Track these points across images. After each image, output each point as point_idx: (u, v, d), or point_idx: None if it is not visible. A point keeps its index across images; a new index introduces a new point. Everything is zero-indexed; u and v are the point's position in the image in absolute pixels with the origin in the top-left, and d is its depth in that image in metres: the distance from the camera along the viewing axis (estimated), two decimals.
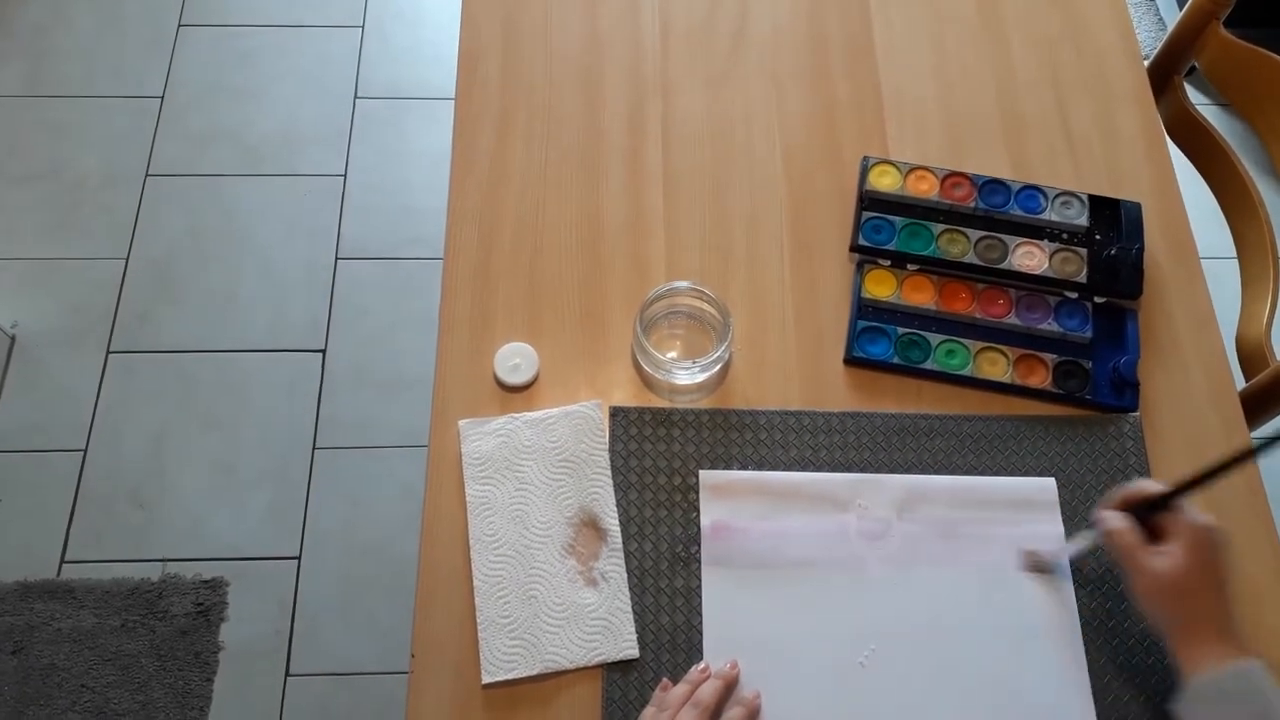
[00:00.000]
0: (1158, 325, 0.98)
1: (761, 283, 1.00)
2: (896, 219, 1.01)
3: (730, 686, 0.81)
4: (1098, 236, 1.00)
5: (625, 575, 0.85)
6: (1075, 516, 0.89)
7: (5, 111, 2.04)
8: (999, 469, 0.91)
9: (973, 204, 1.02)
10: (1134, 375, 0.93)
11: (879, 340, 0.96)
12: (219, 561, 1.64)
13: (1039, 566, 0.87)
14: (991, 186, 1.03)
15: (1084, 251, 0.99)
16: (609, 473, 0.89)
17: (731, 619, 0.84)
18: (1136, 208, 1.01)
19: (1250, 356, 1.10)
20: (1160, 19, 2.20)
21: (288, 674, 1.57)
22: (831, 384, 0.95)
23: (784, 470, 0.90)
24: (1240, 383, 1.02)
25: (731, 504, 0.89)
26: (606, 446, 0.90)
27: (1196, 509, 0.76)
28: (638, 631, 0.83)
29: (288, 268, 1.90)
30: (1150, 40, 2.15)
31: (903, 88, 1.11)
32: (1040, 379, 0.94)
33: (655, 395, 0.94)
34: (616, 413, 0.92)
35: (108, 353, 1.81)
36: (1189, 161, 1.22)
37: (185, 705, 1.53)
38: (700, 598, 0.85)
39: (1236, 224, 1.17)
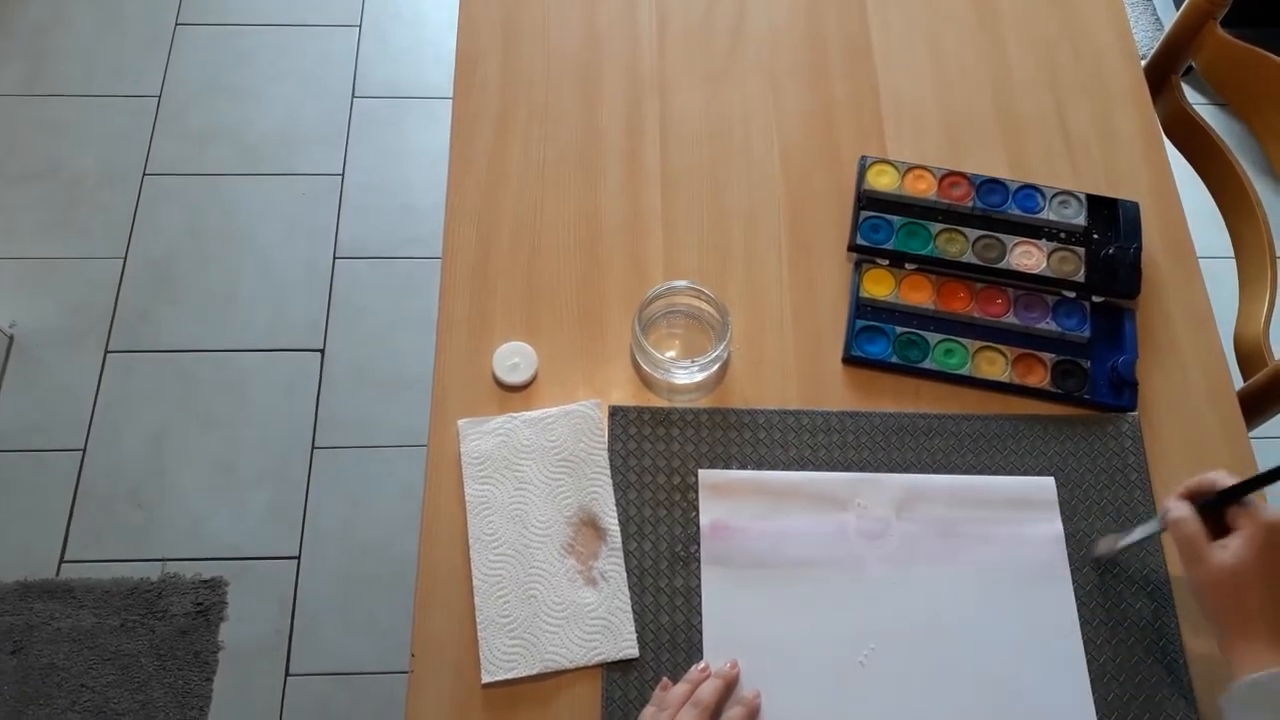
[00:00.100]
0: (1156, 325, 0.98)
1: (760, 282, 1.00)
2: (894, 218, 1.01)
3: (730, 686, 0.81)
4: (1096, 236, 1.00)
5: (625, 575, 0.85)
6: (1074, 516, 0.89)
7: (3, 110, 2.04)
8: (998, 468, 0.91)
9: (971, 203, 1.02)
10: (1132, 374, 0.94)
11: (877, 340, 0.96)
12: (218, 561, 1.64)
13: (1103, 554, 0.86)
14: (989, 186, 1.03)
15: (1082, 251, 0.99)
16: (608, 472, 0.89)
17: (731, 618, 0.84)
18: (1134, 207, 1.01)
19: (1248, 356, 1.10)
20: (1157, 19, 2.21)
21: (287, 673, 1.57)
22: (830, 383, 0.95)
23: (783, 470, 0.90)
24: (1238, 382, 1.02)
25: (731, 503, 0.89)
26: (605, 446, 0.90)
27: (1268, 505, 0.74)
28: (637, 631, 0.83)
29: (286, 267, 1.90)
30: (1147, 40, 2.15)
31: (901, 87, 1.11)
32: (1039, 378, 0.94)
33: (654, 394, 0.94)
34: (615, 412, 0.92)
35: (106, 352, 1.81)
36: (1186, 161, 1.22)
37: (185, 705, 1.53)
38: (700, 597, 0.85)
39: (1234, 224, 1.17)
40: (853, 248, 1.01)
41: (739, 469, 0.90)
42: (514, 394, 0.93)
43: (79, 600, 1.59)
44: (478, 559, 0.85)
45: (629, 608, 0.84)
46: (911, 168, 1.03)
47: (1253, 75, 1.12)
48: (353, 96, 2.07)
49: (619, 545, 0.86)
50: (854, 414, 0.93)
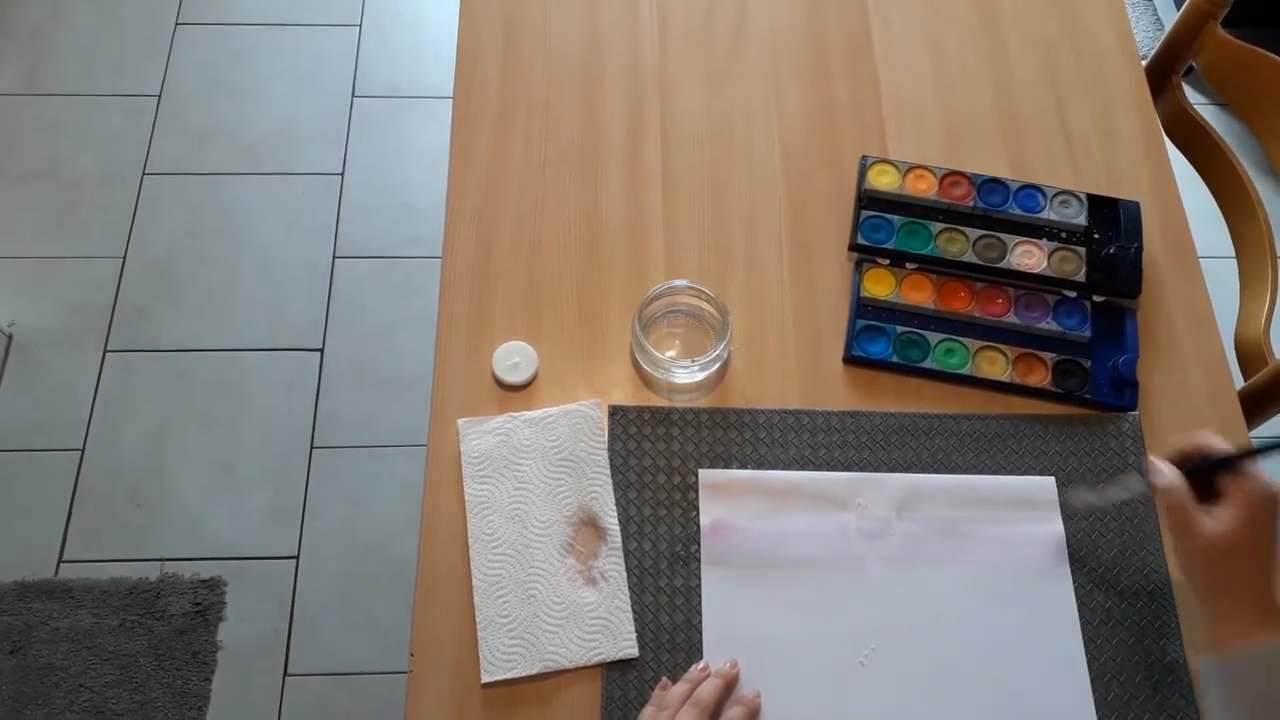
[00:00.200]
0: (1156, 324, 0.98)
1: (760, 282, 1.00)
2: (895, 218, 1.01)
3: (730, 685, 0.81)
4: (1096, 236, 1.00)
5: (624, 574, 0.85)
6: (1074, 516, 0.89)
7: (3, 110, 2.04)
8: (998, 468, 0.91)
9: (971, 203, 1.02)
10: (1133, 374, 0.93)
11: (878, 339, 0.96)
12: (217, 561, 1.64)
13: (1084, 504, 0.86)
14: (990, 186, 1.03)
15: (1083, 250, 0.99)
16: (608, 472, 0.89)
17: (731, 618, 0.84)
18: (1135, 207, 1.01)
19: (1249, 356, 1.10)
20: (1158, 19, 2.21)
21: (286, 673, 1.57)
22: (830, 383, 0.95)
23: (783, 469, 0.90)
24: (1239, 382, 1.02)
25: (731, 503, 0.89)
26: (605, 445, 0.90)
27: (1263, 471, 0.72)
28: (637, 631, 0.83)
29: (286, 267, 1.89)
30: (1148, 40, 2.15)
31: (902, 87, 1.11)
32: (1039, 378, 0.94)
33: (654, 394, 0.94)
34: (615, 411, 0.92)
35: (105, 351, 1.81)
36: (1187, 161, 1.22)
37: (183, 705, 1.53)
38: (700, 597, 0.85)
39: (1235, 223, 1.17)
40: (853, 247, 1.00)
41: (739, 469, 0.90)
42: (514, 393, 0.93)
43: (77, 600, 1.59)
44: (477, 559, 0.85)
45: (629, 607, 0.84)
46: (912, 167, 1.03)
47: (1253, 75, 1.12)
48: (353, 96, 2.07)
49: (619, 545, 0.86)
50: (854, 414, 0.93)
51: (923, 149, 1.07)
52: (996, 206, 1.01)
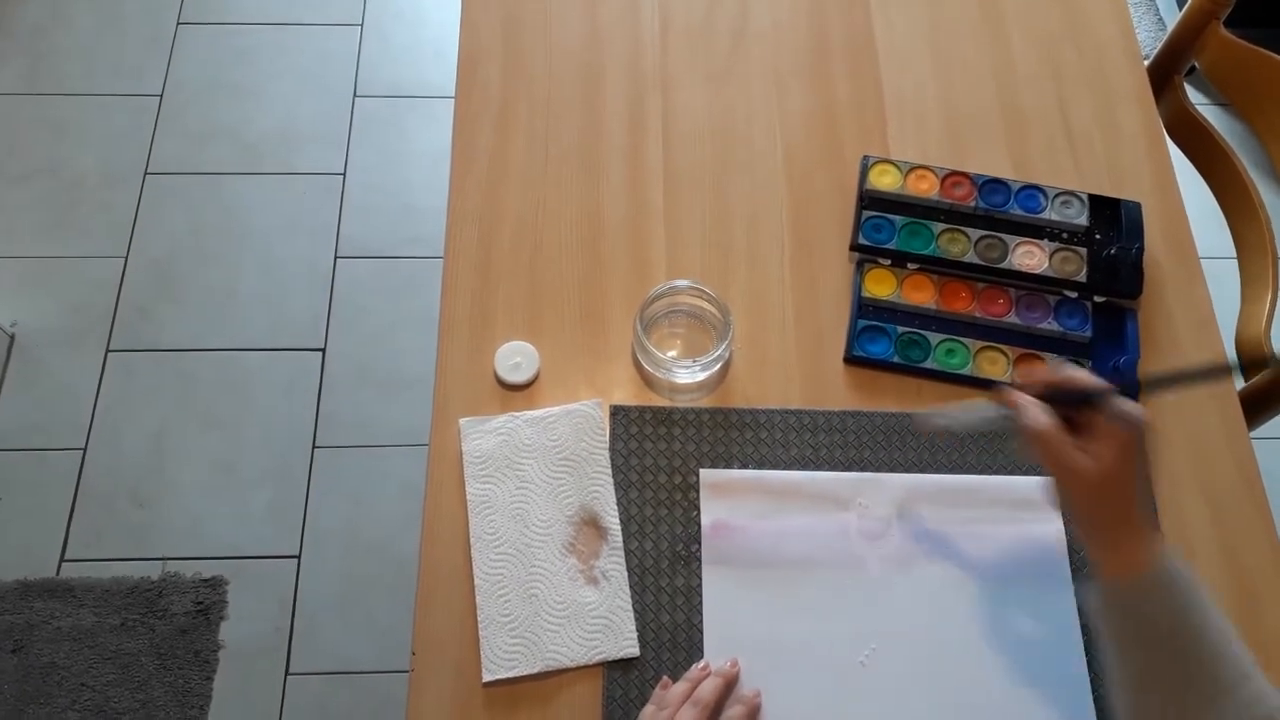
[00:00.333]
0: (1157, 325, 0.98)
1: (762, 281, 1.00)
2: (897, 218, 1.01)
3: (730, 685, 0.81)
4: (1098, 236, 1.00)
5: (626, 574, 0.85)
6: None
7: (4, 109, 2.04)
8: (999, 468, 0.91)
9: (973, 203, 1.02)
10: (1134, 374, 0.93)
11: (879, 339, 0.96)
12: (219, 560, 1.64)
13: (929, 427, 0.85)
14: (992, 186, 1.03)
15: (1084, 251, 0.99)
16: (609, 471, 0.89)
17: (732, 618, 0.84)
18: (1136, 207, 1.01)
19: (1250, 356, 1.10)
20: (1160, 19, 2.20)
21: (288, 672, 1.57)
22: (831, 383, 0.95)
23: (784, 469, 0.90)
24: (1239, 382, 1.02)
25: (732, 503, 0.89)
26: (607, 445, 0.90)
27: (1127, 402, 0.72)
28: (638, 630, 0.83)
29: (287, 266, 1.90)
30: (1150, 40, 2.15)
31: (903, 87, 1.11)
32: None
33: (656, 394, 0.94)
34: (617, 411, 0.92)
35: (107, 351, 1.81)
36: (1189, 161, 1.22)
37: (185, 704, 1.53)
38: (701, 596, 0.85)
39: (1236, 224, 1.17)
40: (855, 247, 1.00)
41: (740, 468, 0.90)
42: (515, 393, 0.93)
43: (79, 599, 1.59)
44: (479, 558, 0.85)
45: (630, 607, 0.84)
46: (914, 167, 1.03)
47: (1256, 75, 1.12)
48: (354, 96, 2.07)
49: (620, 544, 0.86)
50: (855, 414, 0.93)
51: (924, 148, 1.07)
52: (998, 207, 1.01)
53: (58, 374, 1.79)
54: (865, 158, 1.04)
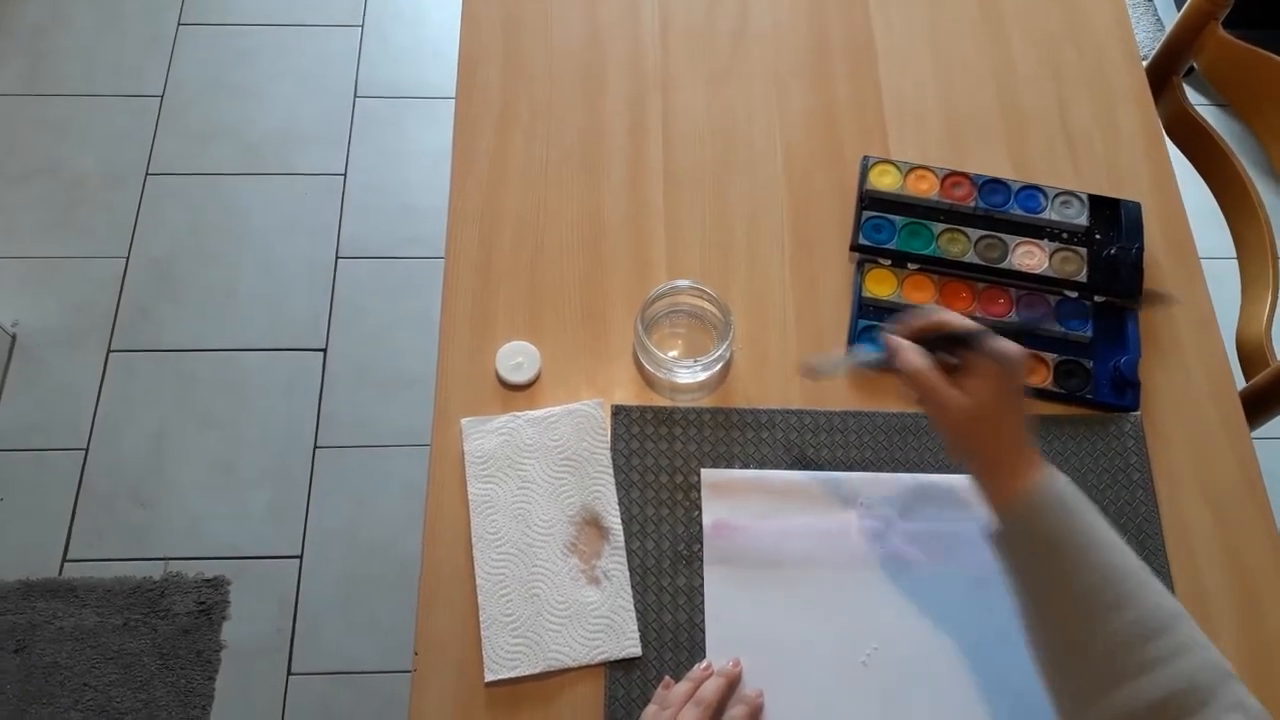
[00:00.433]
0: (1158, 325, 0.98)
1: (762, 281, 1.00)
2: (897, 218, 1.01)
3: (733, 684, 0.81)
4: (1098, 236, 1.00)
5: (627, 573, 0.85)
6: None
7: (5, 110, 2.04)
8: None
9: (973, 203, 1.02)
10: (1135, 374, 0.94)
11: (880, 339, 0.96)
12: (221, 560, 1.65)
13: (813, 372, 0.88)
14: (992, 186, 1.03)
15: (1084, 251, 0.99)
16: (611, 471, 0.89)
17: (734, 617, 0.84)
18: (1136, 207, 1.01)
19: (1250, 356, 1.10)
20: (1158, 19, 2.21)
21: (290, 673, 1.58)
22: (833, 383, 0.95)
23: (785, 469, 0.90)
24: (1240, 382, 1.02)
25: (733, 502, 0.89)
26: (608, 445, 0.91)
27: (999, 339, 0.75)
28: (640, 630, 0.83)
29: (288, 266, 1.90)
30: (1149, 40, 2.15)
31: (903, 87, 1.11)
32: (1041, 378, 0.95)
33: (657, 394, 0.94)
34: (618, 411, 0.93)
35: (108, 351, 1.81)
36: (1188, 162, 1.22)
37: (187, 704, 1.53)
38: (702, 596, 0.85)
39: (1236, 224, 1.17)
40: (855, 247, 1.01)
41: (741, 468, 0.90)
42: (517, 393, 0.93)
43: (81, 599, 1.59)
44: (481, 558, 0.86)
45: (632, 606, 0.84)
46: (914, 168, 1.03)
47: (1254, 76, 1.13)
48: (354, 96, 2.08)
49: (622, 544, 0.86)
50: (856, 414, 0.93)
51: (924, 148, 1.07)
52: (998, 207, 1.02)
53: (59, 374, 1.79)
54: (865, 158, 1.04)
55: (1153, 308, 0.95)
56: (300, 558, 1.66)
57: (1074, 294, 0.98)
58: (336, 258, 1.91)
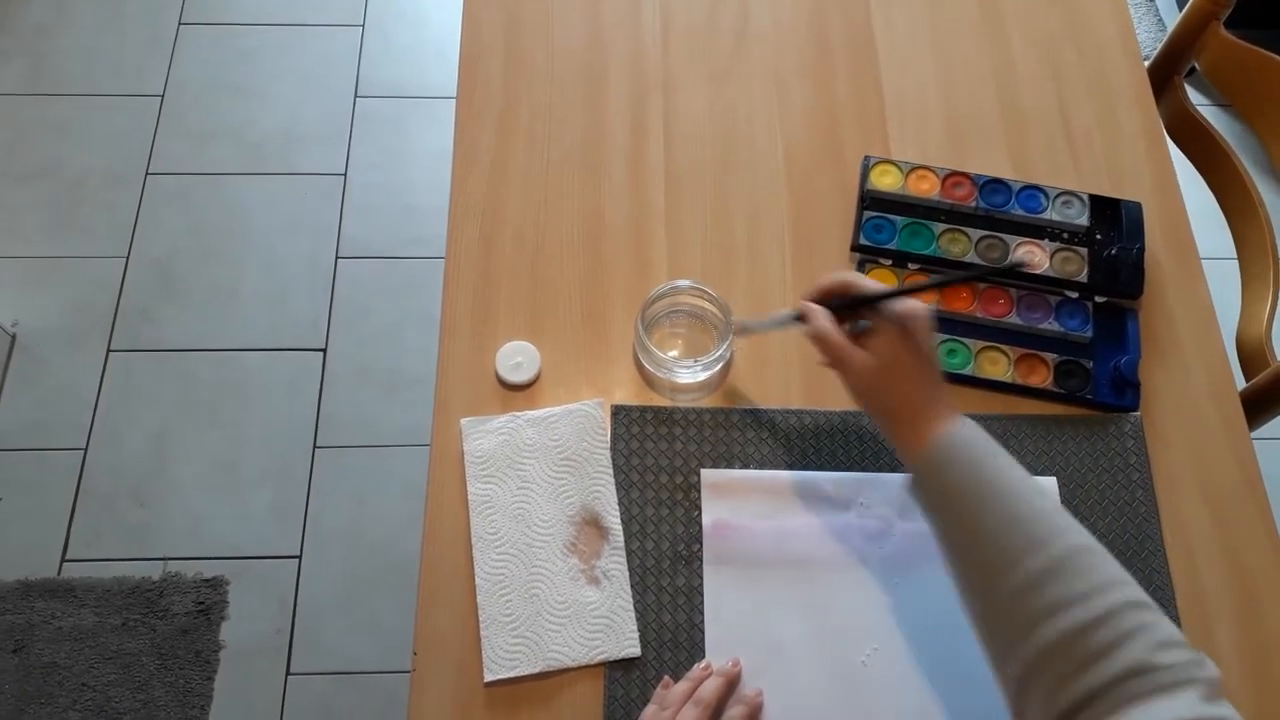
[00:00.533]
0: (1158, 325, 0.98)
1: (763, 281, 1.00)
2: (898, 218, 1.01)
3: (732, 684, 0.81)
4: (1098, 236, 1.00)
5: (627, 573, 0.85)
6: (1076, 515, 0.89)
7: (6, 109, 2.04)
8: None
9: (974, 203, 1.02)
10: (1135, 375, 0.94)
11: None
12: (220, 560, 1.65)
13: (744, 330, 0.90)
14: (992, 186, 1.03)
15: (1085, 251, 0.99)
16: (611, 471, 0.89)
17: (733, 618, 0.84)
18: (1137, 207, 1.01)
19: (1251, 357, 1.10)
20: (1160, 19, 2.21)
21: (289, 673, 1.57)
22: (833, 383, 0.94)
23: (785, 469, 0.90)
24: (1240, 383, 1.02)
25: (733, 503, 0.89)
26: (608, 445, 0.91)
27: (898, 300, 0.77)
28: (640, 630, 0.83)
29: (289, 266, 1.90)
30: (1150, 41, 2.15)
31: (904, 87, 1.11)
32: (1041, 378, 0.95)
33: (657, 394, 0.94)
34: (618, 411, 0.92)
35: (108, 351, 1.81)
36: (1189, 162, 1.22)
37: (186, 704, 1.53)
38: (702, 596, 0.85)
39: (1237, 224, 1.17)
40: (856, 248, 1.01)
41: (741, 468, 0.90)
42: (517, 393, 0.93)
43: (80, 599, 1.59)
44: (480, 558, 0.86)
45: (631, 606, 0.84)
46: (915, 168, 1.03)
47: (1256, 76, 1.12)
48: (355, 96, 2.08)
49: (621, 544, 0.86)
50: (857, 414, 0.93)
51: (925, 148, 1.07)
52: (999, 207, 1.02)
53: (59, 374, 1.79)
54: (866, 158, 1.04)
55: (1024, 269, 0.96)
56: (300, 558, 1.66)
57: (1074, 294, 0.98)
58: (337, 258, 1.91)
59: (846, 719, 0.81)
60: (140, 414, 1.76)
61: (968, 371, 0.95)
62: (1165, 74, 1.23)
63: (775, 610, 0.85)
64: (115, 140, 2.01)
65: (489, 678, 0.81)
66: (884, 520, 0.88)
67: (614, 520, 0.87)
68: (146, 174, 1.98)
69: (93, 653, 1.56)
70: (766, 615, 0.84)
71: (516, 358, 0.94)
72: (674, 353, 0.94)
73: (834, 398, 0.94)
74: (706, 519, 0.88)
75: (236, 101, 2.06)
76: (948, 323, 0.97)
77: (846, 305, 0.80)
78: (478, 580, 0.85)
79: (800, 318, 0.82)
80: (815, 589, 0.86)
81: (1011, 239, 1.00)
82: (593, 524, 0.88)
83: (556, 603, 0.84)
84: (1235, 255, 1.17)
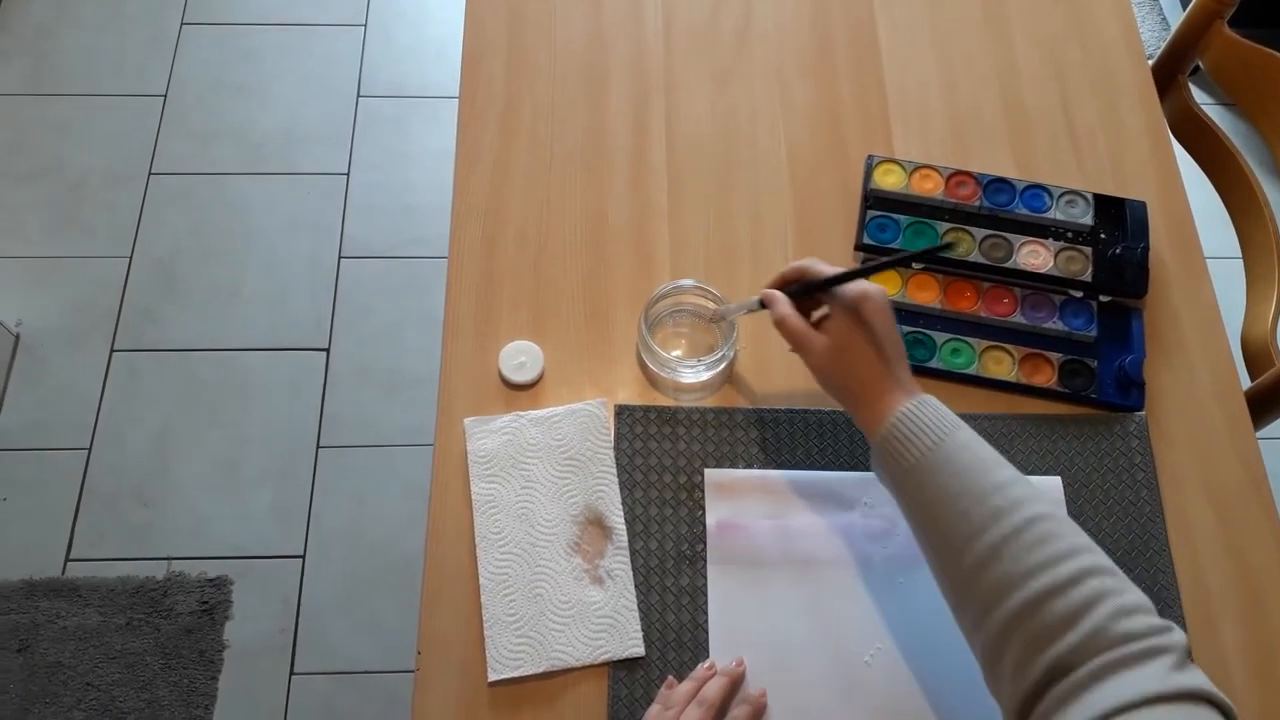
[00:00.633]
0: (1163, 324, 0.98)
1: (766, 281, 0.99)
2: (901, 218, 1.01)
3: (736, 684, 0.81)
4: (1103, 235, 1.00)
5: (631, 573, 0.85)
6: (1081, 515, 0.89)
7: (8, 109, 2.04)
8: None
9: (977, 203, 1.02)
10: (1139, 374, 0.93)
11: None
12: (223, 560, 1.65)
13: (719, 317, 0.92)
14: (996, 185, 1.03)
15: (1089, 250, 0.99)
16: (614, 471, 0.89)
17: (737, 617, 0.84)
18: (1141, 207, 1.01)
19: (1255, 356, 1.10)
20: (1164, 18, 2.20)
21: (292, 672, 1.58)
22: None
23: (789, 469, 0.90)
24: (1246, 382, 1.02)
25: (737, 502, 0.89)
26: (612, 445, 0.90)
27: (852, 284, 0.79)
28: (643, 629, 0.83)
29: (291, 266, 1.90)
30: (1154, 40, 2.15)
31: (907, 86, 1.11)
32: (1045, 378, 0.94)
33: (660, 394, 0.94)
34: (622, 411, 0.92)
35: (111, 351, 1.81)
36: (1194, 161, 1.22)
37: (190, 703, 1.53)
38: (706, 596, 0.85)
39: (1241, 224, 1.17)
40: (859, 247, 1.00)
41: (745, 468, 0.90)
42: (520, 393, 0.93)
43: (84, 599, 1.60)
44: (484, 557, 0.86)
45: (635, 606, 0.84)
46: (918, 167, 1.03)
47: (1261, 75, 1.12)
48: (358, 96, 2.08)
49: (625, 544, 0.86)
50: None
51: (928, 148, 1.07)
52: (1003, 206, 1.01)
53: (62, 374, 1.79)
54: (870, 157, 1.04)
55: (950, 254, 0.97)
56: (303, 557, 1.66)
57: (1079, 293, 0.98)
58: (339, 257, 1.91)
59: (850, 718, 0.81)
60: (143, 414, 1.76)
61: (972, 371, 0.94)
62: (1169, 73, 1.23)
63: (779, 610, 0.85)
64: (117, 140, 2.01)
65: (493, 677, 0.81)
66: (888, 520, 0.88)
67: (618, 520, 0.87)
68: (149, 174, 1.98)
69: (97, 652, 1.56)
70: (770, 615, 0.84)
71: (520, 357, 0.94)
72: (677, 352, 0.94)
73: None
74: (710, 519, 0.88)
75: (238, 101, 2.06)
76: (952, 322, 0.97)
77: (803, 290, 0.82)
78: (481, 580, 0.85)
79: (764, 304, 0.85)
80: (819, 589, 0.85)
81: (1016, 238, 1.00)
82: (596, 524, 0.88)
83: (560, 602, 0.84)
84: (1240, 255, 1.17)
